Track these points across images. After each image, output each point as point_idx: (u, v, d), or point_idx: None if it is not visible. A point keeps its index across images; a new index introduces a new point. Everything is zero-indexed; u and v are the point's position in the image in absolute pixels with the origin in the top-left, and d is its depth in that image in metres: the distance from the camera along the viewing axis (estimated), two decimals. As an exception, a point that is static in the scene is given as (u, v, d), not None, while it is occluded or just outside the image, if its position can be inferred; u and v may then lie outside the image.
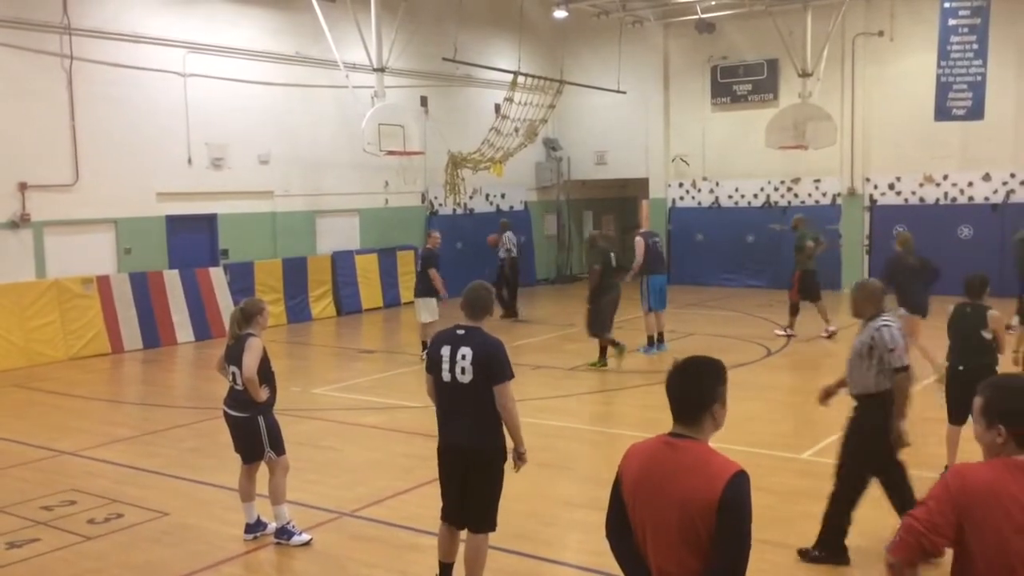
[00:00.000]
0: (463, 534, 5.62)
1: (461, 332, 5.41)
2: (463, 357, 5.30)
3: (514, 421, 5.40)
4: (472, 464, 5.40)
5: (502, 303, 17.91)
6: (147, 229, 16.49)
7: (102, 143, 15.65)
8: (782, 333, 15.48)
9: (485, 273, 19.03)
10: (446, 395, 5.43)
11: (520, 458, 5.56)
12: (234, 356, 6.65)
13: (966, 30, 17.57)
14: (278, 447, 6.78)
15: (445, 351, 5.38)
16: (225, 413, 6.85)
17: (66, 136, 15.25)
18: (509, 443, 5.51)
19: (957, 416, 7.70)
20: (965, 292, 7.95)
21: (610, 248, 13.74)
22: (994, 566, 3.01)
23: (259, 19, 18.14)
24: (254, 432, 6.70)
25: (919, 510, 3.11)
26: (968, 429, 6.78)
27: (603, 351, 13.29)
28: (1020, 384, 3.11)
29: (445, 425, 5.50)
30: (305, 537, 6.77)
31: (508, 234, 18.90)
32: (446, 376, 5.36)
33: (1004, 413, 3.02)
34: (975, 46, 17.50)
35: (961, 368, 7.68)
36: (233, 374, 6.67)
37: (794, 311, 15.51)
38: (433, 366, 5.47)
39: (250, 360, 6.53)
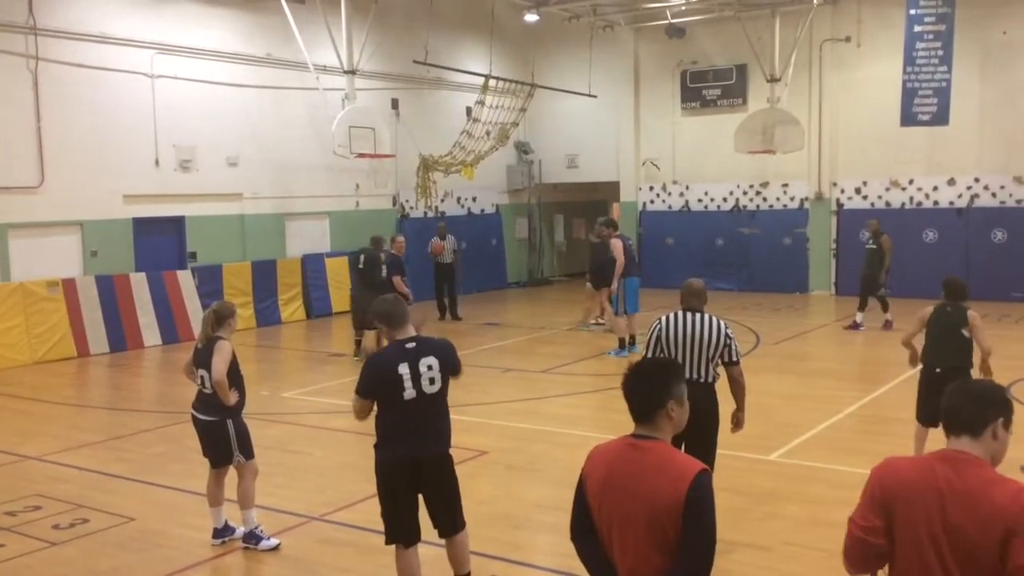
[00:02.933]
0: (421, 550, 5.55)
1: (412, 345, 5.22)
2: (429, 368, 5.19)
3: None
4: (438, 470, 5.35)
5: (450, 309, 18.53)
6: (114, 232, 16.31)
7: (68, 145, 15.46)
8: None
9: (457, 276, 19.12)
10: (413, 411, 5.19)
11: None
12: (203, 359, 6.60)
13: (931, 36, 17.82)
14: (247, 451, 6.73)
15: (403, 369, 5.13)
16: (193, 417, 6.79)
17: (31, 137, 15.05)
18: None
19: (928, 416, 7.81)
20: (945, 294, 8.03)
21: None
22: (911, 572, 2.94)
23: (228, 20, 18.01)
24: (223, 436, 6.64)
25: (856, 511, 3.10)
26: (937, 432, 7.07)
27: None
28: (960, 387, 3.11)
29: (410, 441, 5.23)
30: (273, 542, 6.72)
31: (451, 237, 19.09)
32: (409, 394, 5.14)
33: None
34: (940, 52, 17.75)
35: (938, 371, 7.76)
36: (202, 377, 6.62)
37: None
38: (385, 388, 5.16)
39: (219, 363, 6.48)
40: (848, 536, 3.09)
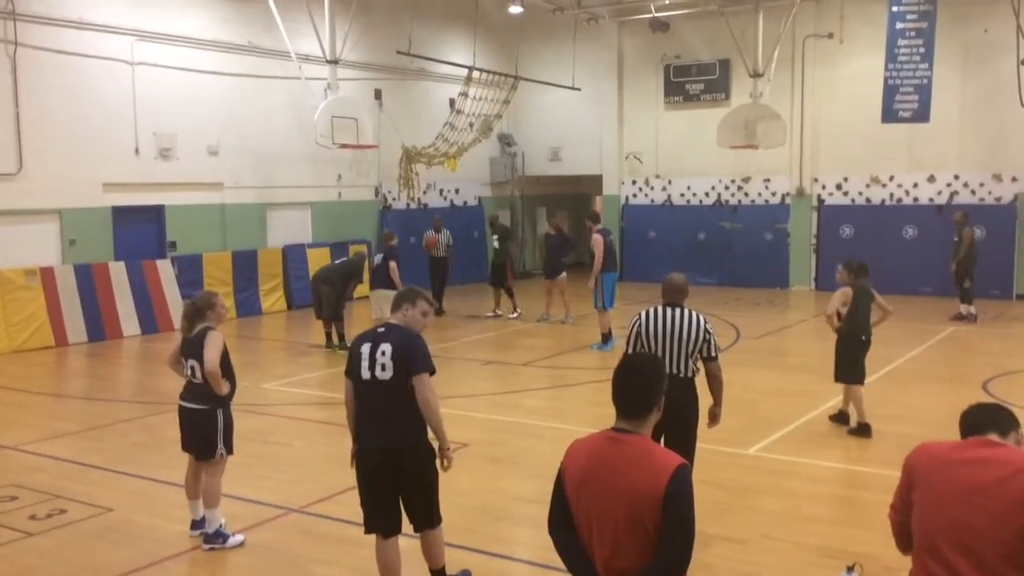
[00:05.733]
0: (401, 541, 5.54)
1: (382, 330, 5.32)
2: (383, 353, 5.19)
3: (435, 416, 5.24)
4: (399, 465, 5.26)
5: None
6: (92, 220, 16.18)
7: (47, 132, 15.31)
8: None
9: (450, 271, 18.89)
10: (364, 394, 5.26)
11: (445, 456, 5.36)
12: (192, 350, 6.53)
13: (913, 33, 17.92)
14: (228, 444, 6.68)
15: (365, 348, 5.25)
16: (181, 408, 6.70)
17: (10, 124, 14.89)
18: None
19: (856, 376, 9.35)
20: (858, 275, 9.41)
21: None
22: (930, 534, 3.20)
23: (210, 7, 17.87)
24: (210, 426, 6.56)
25: (893, 497, 3.47)
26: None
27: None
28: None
29: (365, 427, 5.29)
30: (239, 538, 6.65)
31: (446, 231, 18.54)
32: (365, 374, 5.22)
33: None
34: (922, 49, 17.85)
35: (864, 338, 9.39)
36: (192, 368, 6.54)
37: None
38: (351, 364, 5.31)
39: (212, 353, 6.43)
40: (890, 523, 3.51)
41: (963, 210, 17.81)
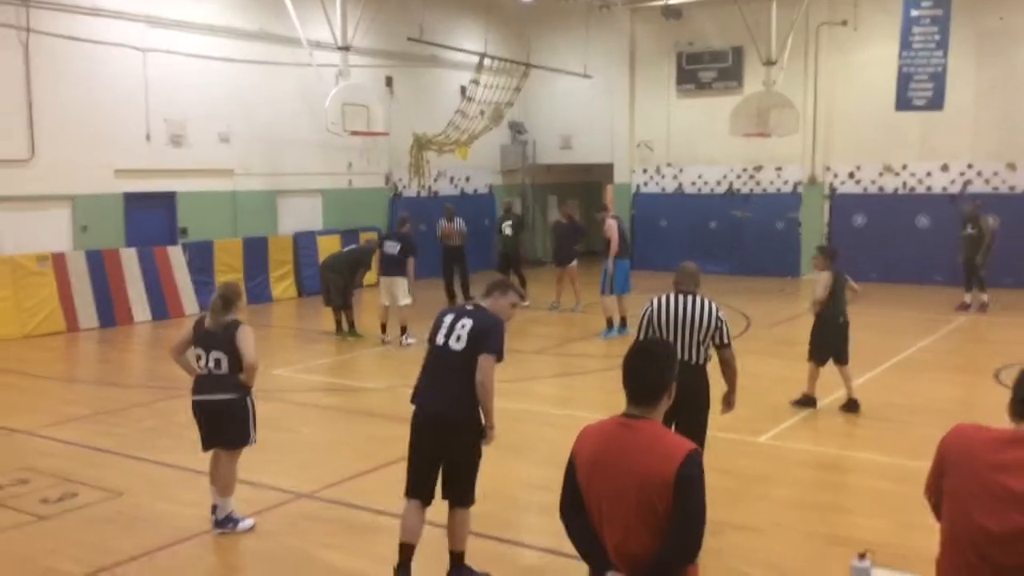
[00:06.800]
0: (429, 513, 5.60)
1: (470, 307, 5.62)
2: (463, 326, 5.43)
3: (489, 397, 5.43)
4: (453, 436, 5.42)
5: (463, 291, 17.15)
6: (104, 206, 16.22)
7: (59, 118, 15.33)
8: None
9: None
10: (433, 360, 5.51)
11: (488, 434, 5.54)
12: (220, 341, 6.43)
13: (928, 21, 17.77)
14: (256, 432, 6.66)
15: (448, 318, 5.54)
16: (201, 402, 6.51)
17: (22, 110, 14.92)
18: None
19: (825, 357, 9.75)
20: (832, 262, 9.74)
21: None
22: (956, 531, 3.04)
23: (221, -6, 17.85)
24: (243, 414, 6.49)
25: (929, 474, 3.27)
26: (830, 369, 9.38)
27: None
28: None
29: (426, 393, 5.51)
30: (249, 522, 6.66)
31: (459, 220, 17.60)
32: (440, 340, 5.47)
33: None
34: (937, 37, 17.71)
35: (841, 320, 9.70)
36: (217, 360, 6.44)
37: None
38: (432, 330, 5.58)
39: (251, 348, 6.42)
40: (928, 502, 3.32)
41: (976, 199, 17.67)
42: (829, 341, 9.71)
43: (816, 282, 9.88)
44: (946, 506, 3.11)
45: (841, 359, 9.74)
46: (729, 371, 6.44)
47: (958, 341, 14.25)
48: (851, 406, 9.67)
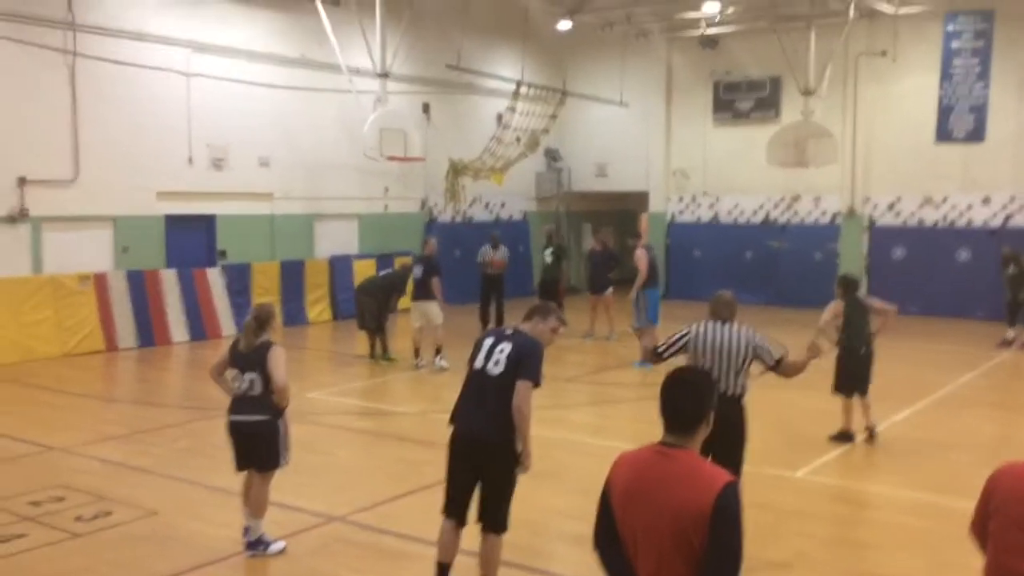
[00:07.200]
0: (463, 541, 5.58)
1: (509, 332, 5.65)
2: (502, 351, 5.46)
3: (525, 423, 5.40)
4: (488, 458, 5.43)
5: (497, 318, 16.58)
6: (145, 228, 16.46)
7: (103, 140, 15.62)
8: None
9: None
10: (473, 383, 5.54)
11: (524, 461, 5.50)
12: (253, 363, 6.48)
13: (969, 53, 17.63)
14: (288, 453, 6.68)
15: (488, 341, 5.59)
16: (236, 423, 6.56)
17: (67, 132, 15.23)
18: None
19: (852, 389, 9.58)
20: (847, 290, 9.83)
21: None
22: (998, 556, 3.01)
23: (264, 21, 18.15)
24: (273, 435, 6.52)
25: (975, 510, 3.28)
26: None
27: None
28: None
29: (463, 415, 5.55)
30: (281, 544, 6.66)
31: (503, 248, 17.15)
32: (479, 363, 5.51)
33: None
34: (978, 69, 17.57)
35: (863, 351, 9.57)
36: (251, 381, 6.49)
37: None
38: (473, 352, 5.63)
39: (282, 370, 6.43)
40: (973, 538, 3.32)
41: (1010, 245, 17.36)
42: (853, 372, 9.62)
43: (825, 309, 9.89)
44: (992, 549, 3.04)
45: (860, 390, 9.63)
46: (794, 370, 6.40)
47: (1000, 377, 13.99)
48: (869, 437, 9.61)
